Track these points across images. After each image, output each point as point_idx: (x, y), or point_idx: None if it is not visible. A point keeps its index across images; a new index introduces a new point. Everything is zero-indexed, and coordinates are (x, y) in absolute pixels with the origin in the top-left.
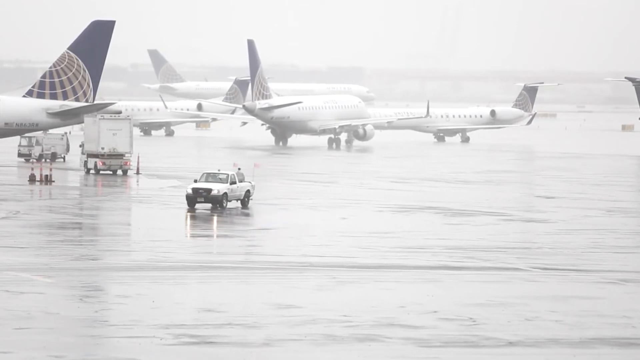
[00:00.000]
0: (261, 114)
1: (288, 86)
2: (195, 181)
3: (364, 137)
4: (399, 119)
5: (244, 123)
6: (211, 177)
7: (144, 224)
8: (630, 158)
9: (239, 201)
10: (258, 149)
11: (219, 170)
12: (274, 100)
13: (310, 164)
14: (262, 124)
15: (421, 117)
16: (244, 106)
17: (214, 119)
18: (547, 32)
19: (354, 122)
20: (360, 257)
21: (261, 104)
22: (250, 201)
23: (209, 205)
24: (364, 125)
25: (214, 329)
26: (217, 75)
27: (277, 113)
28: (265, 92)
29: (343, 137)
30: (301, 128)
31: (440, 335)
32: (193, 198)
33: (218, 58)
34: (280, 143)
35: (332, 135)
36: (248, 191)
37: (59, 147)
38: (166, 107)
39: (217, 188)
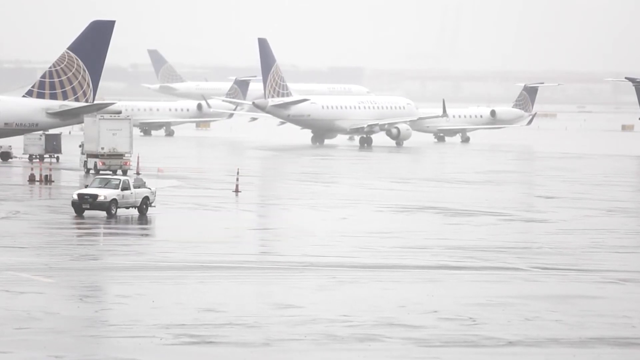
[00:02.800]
0: (274, 111)
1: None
2: (87, 186)
3: (397, 137)
4: (419, 118)
5: (254, 119)
6: (104, 182)
7: (144, 223)
8: (630, 158)
9: (136, 208)
10: (265, 148)
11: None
12: (288, 98)
13: (311, 164)
14: (281, 122)
15: (438, 117)
16: (253, 103)
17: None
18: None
19: (381, 122)
20: (360, 257)
21: (274, 101)
22: (151, 208)
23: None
24: (394, 124)
25: (214, 329)
26: (217, 75)
27: (294, 111)
28: (281, 90)
29: (376, 137)
30: (327, 127)
31: (440, 335)
32: (79, 204)
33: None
34: (317, 143)
35: (364, 135)
36: (147, 197)
37: (37, 147)
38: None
39: (105, 194)
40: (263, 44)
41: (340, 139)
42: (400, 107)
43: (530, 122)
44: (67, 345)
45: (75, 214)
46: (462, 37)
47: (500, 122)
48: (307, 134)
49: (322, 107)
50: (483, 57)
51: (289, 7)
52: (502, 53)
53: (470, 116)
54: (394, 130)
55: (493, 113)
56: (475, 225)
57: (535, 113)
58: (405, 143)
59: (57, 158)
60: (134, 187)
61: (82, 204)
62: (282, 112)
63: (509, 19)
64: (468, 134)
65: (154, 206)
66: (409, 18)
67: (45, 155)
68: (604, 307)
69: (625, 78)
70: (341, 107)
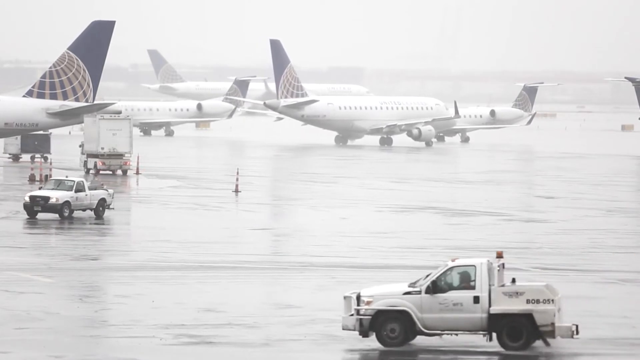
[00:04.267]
0: (287, 112)
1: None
2: (41, 188)
3: (418, 137)
4: (433, 120)
5: (279, 119)
6: (57, 183)
7: (144, 223)
8: (630, 158)
9: (92, 211)
10: (283, 148)
11: (66, 176)
12: (300, 99)
13: (314, 164)
14: (303, 124)
15: (451, 118)
16: (264, 103)
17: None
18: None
19: (399, 122)
20: (360, 257)
21: (286, 101)
22: (108, 210)
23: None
24: (414, 125)
25: (214, 329)
26: (217, 75)
27: (308, 111)
28: (295, 91)
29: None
30: (346, 127)
31: None
32: (30, 207)
33: (218, 58)
34: (340, 143)
35: (384, 136)
36: (103, 200)
37: (13, 146)
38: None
39: (57, 196)
40: (276, 45)
41: (367, 139)
42: (427, 108)
43: (529, 122)
44: (67, 345)
45: (27, 217)
46: (461, 37)
47: (500, 122)
48: (329, 134)
49: (340, 107)
50: (483, 57)
51: (289, 7)
52: (501, 53)
53: (470, 116)
54: (415, 131)
55: (493, 113)
56: (475, 225)
57: (535, 113)
58: (416, 144)
59: (45, 158)
60: (90, 189)
61: (34, 206)
62: (295, 113)
63: (509, 19)
64: (468, 134)
65: (112, 208)
66: (409, 18)
67: (36, 156)
68: (604, 307)
69: (625, 78)
70: (360, 108)
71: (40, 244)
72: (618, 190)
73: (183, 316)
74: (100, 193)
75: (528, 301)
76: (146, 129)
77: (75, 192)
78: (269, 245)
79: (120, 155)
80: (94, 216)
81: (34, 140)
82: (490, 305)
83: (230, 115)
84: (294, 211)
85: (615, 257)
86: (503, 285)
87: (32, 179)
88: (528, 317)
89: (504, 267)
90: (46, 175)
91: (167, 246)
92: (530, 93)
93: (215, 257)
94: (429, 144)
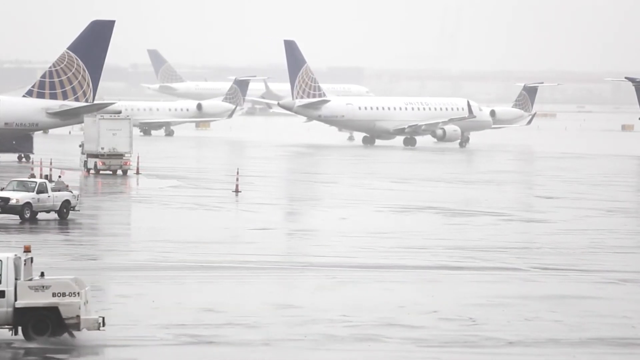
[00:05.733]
0: (303, 112)
1: (288, 86)
2: (2, 189)
3: (442, 138)
4: (450, 120)
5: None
6: (19, 185)
7: (144, 223)
8: (630, 158)
9: (56, 213)
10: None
11: (29, 176)
12: (314, 99)
13: (317, 164)
14: (307, 120)
15: (465, 118)
16: (278, 104)
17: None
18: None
19: (420, 123)
20: (360, 257)
21: (301, 101)
22: (74, 211)
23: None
24: (438, 125)
25: (214, 329)
26: (217, 75)
27: (325, 111)
28: (312, 92)
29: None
30: (367, 128)
31: (440, 335)
32: None
33: (218, 58)
34: (368, 144)
35: (408, 136)
36: (67, 201)
37: None
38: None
39: (17, 197)
40: (291, 46)
41: (399, 140)
42: (457, 109)
43: (530, 122)
44: (67, 345)
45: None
46: (461, 37)
47: (500, 122)
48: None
49: (359, 108)
50: (483, 57)
51: (289, 7)
52: (501, 53)
53: None
54: (439, 132)
55: (493, 113)
56: (475, 225)
57: (535, 113)
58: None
59: (27, 157)
60: (53, 191)
61: None
62: (311, 113)
63: (509, 19)
64: (467, 134)
65: (78, 210)
66: (409, 18)
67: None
68: (604, 308)
69: (625, 78)
70: (384, 108)
71: (41, 244)
72: (618, 190)
73: (183, 316)
74: (64, 194)
75: (54, 294)
76: (146, 129)
77: (37, 193)
78: (269, 245)
79: (120, 155)
80: (58, 218)
81: (11, 139)
82: (16, 300)
83: (230, 115)
84: (294, 211)
85: (615, 257)
86: (30, 280)
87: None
88: (53, 310)
89: (32, 261)
90: (46, 175)
91: (167, 246)
92: (530, 93)
93: (215, 257)
94: (462, 144)
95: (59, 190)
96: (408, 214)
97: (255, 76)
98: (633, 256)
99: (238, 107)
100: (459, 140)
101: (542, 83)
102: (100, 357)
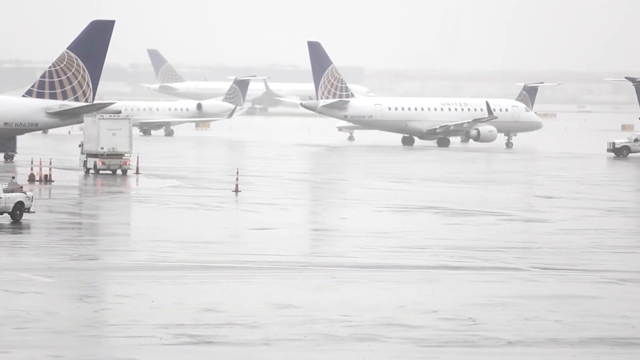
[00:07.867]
0: (327, 112)
1: (288, 86)
2: None
3: (477, 138)
4: (474, 120)
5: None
6: None
7: (144, 223)
8: (630, 158)
9: (9, 214)
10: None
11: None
12: (337, 99)
13: (317, 163)
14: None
15: (486, 119)
16: (301, 104)
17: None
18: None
19: (450, 123)
20: (360, 257)
21: (325, 101)
22: (28, 213)
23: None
24: (472, 126)
25: (214, 329)
26: (217, 75)
27: (352, 111)
28: (338, 92)
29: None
30: (398, 128)
31: (440, 335)
32: None
33: (218, 58)
34: (407, 145)
35: (441, 136)
36: (21, 203)
37: None
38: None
39: None
40: (315, 47)
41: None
42: (502, 110)
43: None
44: (67, 345)
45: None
46: (462, 37)
47: None
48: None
49: (389, 108)
50: (483, 57)
51: (288, 7)
52: (501, 53)
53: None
54: (474, 132)
55: None
56: (475, 225)
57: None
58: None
59: (11, 157)
60: (6, 192)
61: None
62: (337, 113)
63: (508, 19)
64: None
65: (33, 212)
66: (409, 18)
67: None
68: (604, 307)
69: (625, 78)
70: (416, 109)
71: (41, 244)
72: (618, 190)
73: (183, 316)
74: (17, 196)
75: None
76: (146, 128)
77: None
78: (269, 245)
79: (120, 155)
80: (11, 220)
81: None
82: None
83: (230, 115)
84: (294, 211)
85: (615, 257)
86: None
87: (31, 179)
88: None
89: None
90: (46, 175)
91: (167, 246)
92: (530, 93)
93: (215, 257)
94: (508, 145)
95: (12, 192)
96: (408, 214)
97: (255, 76)
98: (633, 256)
99: (238, 107)
100: (493, 141)
101: (542, 83)
102: (100, 357)
